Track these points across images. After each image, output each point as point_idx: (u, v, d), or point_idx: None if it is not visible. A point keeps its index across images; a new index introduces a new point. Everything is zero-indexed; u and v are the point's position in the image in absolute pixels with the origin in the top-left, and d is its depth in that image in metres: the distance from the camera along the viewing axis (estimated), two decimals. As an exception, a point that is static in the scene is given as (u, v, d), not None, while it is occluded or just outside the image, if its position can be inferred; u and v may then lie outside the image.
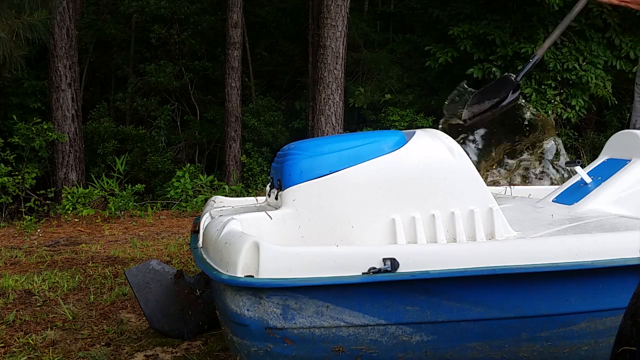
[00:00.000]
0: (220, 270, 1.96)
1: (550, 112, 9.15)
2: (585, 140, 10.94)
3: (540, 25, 9.53)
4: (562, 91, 9.41)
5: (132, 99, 12.54)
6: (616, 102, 9.92)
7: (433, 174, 2.42)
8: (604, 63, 9.40)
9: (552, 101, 9.29)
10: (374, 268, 1.87)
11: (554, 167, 3.48)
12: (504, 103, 3.32)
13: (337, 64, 8.49)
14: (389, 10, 13.64)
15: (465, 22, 9.82)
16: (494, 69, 9.50)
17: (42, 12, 6.82)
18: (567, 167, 3.15)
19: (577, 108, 9.28)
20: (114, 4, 13.08)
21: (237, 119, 10.40)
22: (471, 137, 3.32)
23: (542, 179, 3.56)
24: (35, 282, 4.08)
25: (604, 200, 2.77)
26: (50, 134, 8.28)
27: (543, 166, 3.55)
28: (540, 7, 9.30)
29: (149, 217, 7.28)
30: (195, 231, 2.84)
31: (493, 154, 3.67)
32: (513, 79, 3.43)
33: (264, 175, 10.53)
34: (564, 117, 9.33)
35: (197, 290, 2.97)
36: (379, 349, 1.96)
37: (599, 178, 2.92)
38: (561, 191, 3.07)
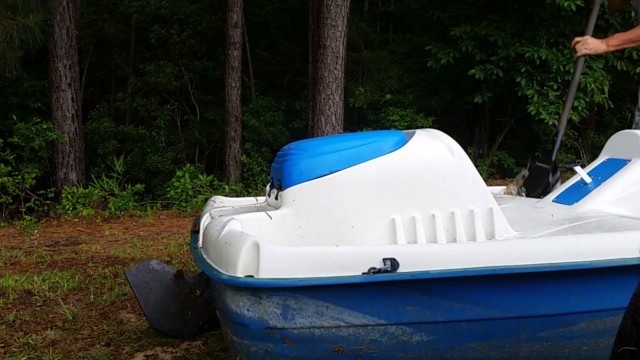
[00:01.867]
0: (220, 270, 1.96)
1: (552, 114, 9.15)
2: (585, 140, 10.94)
3: (541, 26, 9.53)
4: (564, 92, 9.40)
5: (132, 99, 12.54)
6: (612, 106, 9.92)
7: (433, 174, 2.42)
8: (605, 63, 9.40)
9: (555, 102, 9.28)
10: (374, 268, 1.87)
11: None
12: (550, 188, 3.30)
13: (337, 64, 8.49)
14: (389, 10, 13.65)
15: (466, 22, 9.82)
16: (495, 70, 9.50)
17: (37, 15, 6.79)
18: (567, 167, 3.15)
19: (580, 109, 9.28)
20: (114, 4, 13.09)
21: (237, 119, 10.40)
22: None
23: None
24: (35, 282, 4.08)
25: (604, 200, 2.77)
26: (50, 134, 8.27)
27: None
28: (541, 7, 9.30)
29: (148, 217, 7.28)
30: (195, 231, 2.84)
31: None
32: (547, 166, 3.38)
33: (264, 175, 10.53)
34: None
35: (197, 290, 2.97)
36: (379, 349, 1.96)
37: (599, 178, 2.92)
38: (561, 191, 3.06)
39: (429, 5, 11.50)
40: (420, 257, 1.92)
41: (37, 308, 3.57)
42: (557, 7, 8.71)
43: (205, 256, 2.24)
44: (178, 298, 2.97)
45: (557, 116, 9.20)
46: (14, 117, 8.81)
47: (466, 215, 2.44)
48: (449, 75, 11.38)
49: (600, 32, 9.52)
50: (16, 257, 5.03)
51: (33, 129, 8.15)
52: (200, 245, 2.45)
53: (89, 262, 4.70)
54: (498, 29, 9.62)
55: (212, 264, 2.09)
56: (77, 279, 4.20)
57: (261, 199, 3.37)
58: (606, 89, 9.28)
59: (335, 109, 8.60)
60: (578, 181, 3.02)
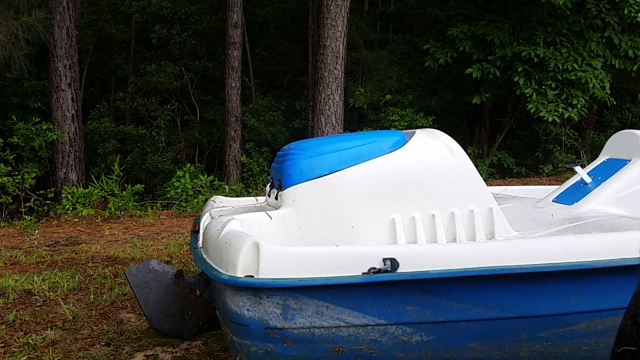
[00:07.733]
0: (220, 270, 1.96)
1: (552, 111, 9.14)
2: (585, 140, 10.94)
3: (539, 26, 9.52)
4: (562, 91, 9.39)
5: (132, 99, 12.54)
6: (614, 102, 9.91)
7: (433, 174, 2.42)
8: (604, 62, 9.39)
9: (553, 101, 9.27)
10: (374, 268, 1.87)
11: None
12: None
13: (337, 64, 8.49)
14: (389, 10, 13.65)
15: (464, 22, 9.82)
16: (492, 69, 9.49)
17: (39, 12, 6.79)
18: (567, 167, 3.16)
19: (579, 107, 9.27)
20: (115, 4, 13.08)
21: (237, 119, 10.40)
22: None
23: None
24: (35, 282, 4.08)
25: (604, 200, 2.77)
26: (50, 134, 8.26)
27: None
28: (539, 7, 9.29)
29: (148, 217, 7.28)
30: (195, 231, 2.84)
31: None
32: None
33: (264, 175, 10.53)
34: (566, 116, 9.31)
35: (197, 290, 2.97)
36: (379, 349, 1.96)
37: (599, 178, 2.92)
38: (561, 191, 3.07)
39: (429, 4, 11.50)
40: (420, 257, 1.93)
41: (37, 308, 3.57)
42: (554, 5, 8.70)
43: (205, 256, 2.24)
44: (178, 298, 2.97)
45: (556, 113, 9.19)
46: (14, 117, 8.80)
47: (466, 215, 2.44)
48: (449, 75, 11.37)
49: (598, 32, 9.51)
50: (16, 257, 5.03)
51: (33, 129, 8.14)
52: (200, 245, 2.45)
53: (89, 262, 4.70)
54: (496, 29, 9.61)
55: (212, 264, 2.09)
56: (77, 279, 4.20)
57: (261, 199, 3.37)
58: (607, 84, 9.26)
59: (335, 109, 8.60)
60: (578, 181, 3.03)
